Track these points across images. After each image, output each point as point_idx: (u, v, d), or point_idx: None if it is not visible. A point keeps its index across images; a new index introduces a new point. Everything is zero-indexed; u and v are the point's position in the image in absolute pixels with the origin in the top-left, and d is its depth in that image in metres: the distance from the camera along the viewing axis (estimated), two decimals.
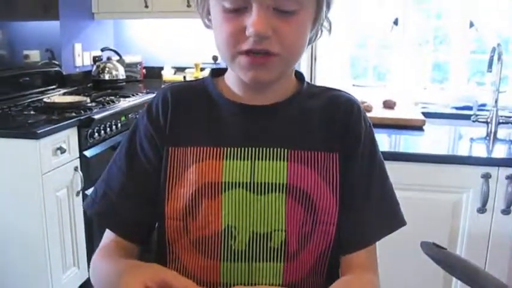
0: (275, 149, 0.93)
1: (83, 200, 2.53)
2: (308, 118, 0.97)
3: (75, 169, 2.55)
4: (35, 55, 3.29)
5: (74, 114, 2.62)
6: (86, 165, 2.62)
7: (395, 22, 3.54)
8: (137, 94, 3.37)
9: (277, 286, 0.92)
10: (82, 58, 3.79)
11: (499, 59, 2.29)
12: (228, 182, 0.92)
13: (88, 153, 2.65)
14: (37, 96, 3.09)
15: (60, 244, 2.48)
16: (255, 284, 0.92)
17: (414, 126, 2.44)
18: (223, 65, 1.00)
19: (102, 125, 2.77)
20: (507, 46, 3.41)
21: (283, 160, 0.92)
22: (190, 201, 0.92)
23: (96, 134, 2.70)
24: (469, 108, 2.92)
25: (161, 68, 4.06)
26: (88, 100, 2.92)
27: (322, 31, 0.95)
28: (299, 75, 1.02)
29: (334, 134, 0.95)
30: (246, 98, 0.96)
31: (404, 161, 1.96)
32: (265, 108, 0.95)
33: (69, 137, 2.50)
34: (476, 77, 3.60)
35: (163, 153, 0.96)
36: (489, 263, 1.97)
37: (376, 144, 1.00)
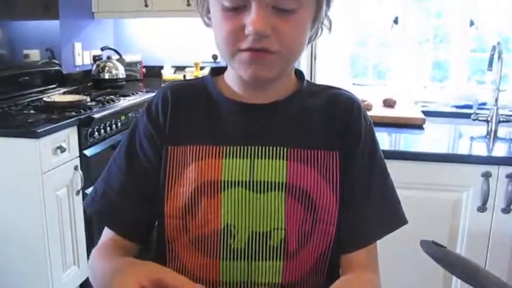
0: (274, 148, 0.93)
1: (83, 199, 2.53)
2: (308, 116, 0.96)
3: (75, 168, 2.55)
4: (35, 54, 3.29)
5: (74, 113, 2.62)
6: (86, 165, 2.62)
7: (396, 21, 3.54)
8: (137, 93, 3.37)
9: (277, 285, 0.92)
10: (82, 57, 3.79)
11: (499, 57, 2.29)
12: (228, 181, 0.91)
13: (88, 152, 2.65)
14: (37, 96, 3.09)
15: (60, 243, 2.48)
16: (255, 282, 0.92)
17: (414, 125, 2.44)
18: (223, 64, 1.00)
19: (102, 124, 2.77)
20: (507, 45, 3.41)
21: (283, 159, 0.92)
22: (189, 200, 0.92)
23: (96, 133, 2.70)
24: (469, 107, 2.93)
25: (161, 67, 4.06)
26: (88, 99, 2.92)
27: (322, 29, 0.95)
28: (299, 74, 1.02)
29: (334, 133, 0.95)
30: (245, 96, 0.96)
31: (405, 159, 1.95)
32: (265, 106, 0.95)
33: (69, 136, 2.50)
34: (476, 76, 3.61)
35: (162, 152, 0.96)
36: (489, 261, 1.97)
37: (377, 142, 1.00)
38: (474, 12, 3.43)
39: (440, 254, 0.83)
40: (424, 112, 2.64)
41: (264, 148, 0.93)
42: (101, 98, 3.09)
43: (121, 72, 3.77)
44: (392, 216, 0.98)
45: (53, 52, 3.43)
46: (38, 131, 2.26)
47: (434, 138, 2.37)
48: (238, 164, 0.92)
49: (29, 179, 2.31)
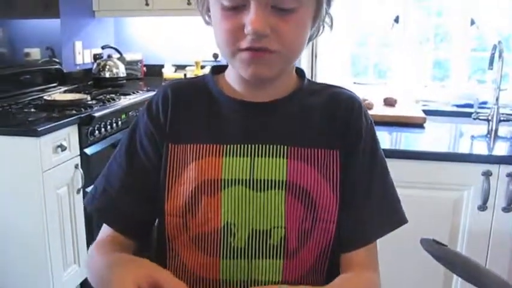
0: (275, 146, 0.92)
1: (84, 198, 2.53)
2: (308, 115, 0.96)
3: (76, 167, 2.55)
4: (35, 53, 3.29)
5: (74, 112, 2.62)
6: (87, 163, 2.62)
7: (396, 20, 3.54)
8: (137, 92, 3.37)
9: (277, 283, 0.92)
10: (82, 56, 3.79)
11: (500, 56, 2.29)
12: (228, 179, 0.91)
13: (88, 150, 2.65)
14: (38, 94, 3.09)
15: (61, 242, 2.48)
16: (255, 281, 0.92)
17: (415, 124, 2.44)
18: (223, 63, 0.99)
19: (103, 123, 2.77)
20: (508, 44, 3.41)
21: (283, 157, 0.92)
22: (189, 198, 0.92)
23: (97, 131, 2.70)
24: (470, 106, 2.93)
25: (162, 66, 4.06)
26: (88, 98, 2.92)
27: (324, 27, 0.95)
28: (300, 72, 1.02)
29: (335, 131, 0.95)
30: (246, 95, 0.96)
31: (405, 158, 1.95)
32: (265, 105, 0.95)
33: (69, 135, 2.50)
34: (477, 75, 3.61)
35: (163, 150, 0.96)
36: (490, 260, 1.97)
37: (378, 141, 0.99)
38: (475, 11, 3.43)
39: (440, 252, 0.83)
40: (424, 111, 2.64)
41: (264, 146, 0.92)
42: (101, 96, 3.09)
43: (121, 71, 3.77)
44: (392, 216, 0.98)
45: (54, 51, 3.43)
46: (39, 129, 2.26)
47: (435, 137, 2.37)
48: (238, 163, 0.92)
49: (29, 177, 2.31)
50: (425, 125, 2.44)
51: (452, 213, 1.98)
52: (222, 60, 0.98)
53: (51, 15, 3.39)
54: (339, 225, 0.94)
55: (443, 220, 1.98)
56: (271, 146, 0.92)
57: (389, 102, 2.74)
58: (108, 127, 2.82)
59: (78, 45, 3.73)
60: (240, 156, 0.92)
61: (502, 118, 2.28)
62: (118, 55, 3.89)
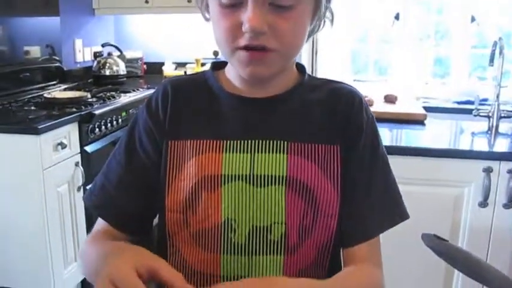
0: (275, 141, 0.92)
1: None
2: (309, 110, 0.96)
3: (76, 164, 2.55)
4: (35, 51, 3.29)
5: (74, 109, 2.62)
6: (87, 161, 2.62)
7: (396, 17, 3.54)
8: (138, 89, 3.37)
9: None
10: (83, 54, 3.78)
11: (501, 53, 2.28)
12: (228, 175, 0.91)
13: (89, 148, 2.65)
14: (38, 92, 3.09)
15: (62, 239, 2.48)
16: (255, 277, 0.92)
17: (416, 121, 2.44)
18: (223, 59, 0.99)
19: (103, 121, 2.76)
20: (508, 41, 3.40)
21: (283, 152, 0.92)
22: (190, 194, 0.92)
23: (97, 129, 2.70)
24: (471, 102, 2.92)
25: (162, 64, 4.05)
26: (89, 95, 2.92)
27: (325, 22, 0.95)
28: (300, 68, 1.02)
29: (335, 126, 0.95)
30: (246, 90, 0.95)
31: (406, 155, 1.96)
32: (266, 100, 0.95)
33: (69, 133, 2.50)
34: (477, 72, 3.60)
35: (162, 147, 0.96)
36: (490, 257, 1.97)
37: (379, 137, 0.99)
38: (475, 8, 3.42)
39: (442, 248, 0.83)
40: (425, 108, 2.64)
41: (264, 142, 0.92)
42: (101, 94, 3.09)
43: (122, 68, 3.77)
44: (394, 211, 0.98)
45: (54, 48, 3.43)
46: (39, 127, 2.26)
47: (435, 133, 2.37)
48: (238, 158, 0.92)
49: (29, 175, 2.31)
50: (425, 121, 2.44)
51: (453, 209, 1.98)
52: (222, 57, 0.98)
53: (51, 13, 3.39)
54: (340, 220, 0.94)
55: (444, 217, 1.98)
56: (271, 142, 0.92)
57: (389, 99, 2.74)
58: (109, 125, 2.82)
59: (78, 43, 3.73)
60: (240, 151, 0.92)
61: (502, 115, 2.27)
62: (118, 53, 3.89)
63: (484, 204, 1.93)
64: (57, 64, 3.42)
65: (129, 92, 3.27)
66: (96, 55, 3.82)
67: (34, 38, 3.27)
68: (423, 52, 3.66)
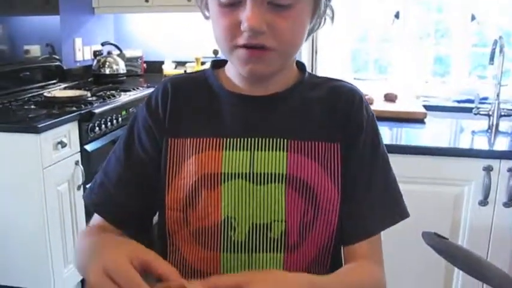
0: (275, 139, 0.92)
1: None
2: (309, 108, 0.96)
3: (76, 163, 2.55)
4: (35, 50, 3.29)
5: (74, 108, 2.62)
6: (87, 159, 2.62)
7: (396, 15, 3.53)
8: (138, 88, 3.37)
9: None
10: (82, 52, 3.78)
11: (501, 51, 2.28)
12: (228, 173, 0.91)
13: (89, 147, 2.65)
14: (37, 91, 3.09)
15: (62, 238, 2.48)
16: None
17: (416, 119, 2.43)
18: (223, 57, 0.99)
19: (103, 119, 2.77)
20: (508, 39, 3.40)
21: (283, 150, 0.92)
22: (190, 192, 0.92)
23: (97, 128, 2.70)
24: (471, 101, 2.91)
25: (162, 62, 4.05)
26: (89, 94, 2.92)
27: (325, 19, 0.94)
28: (301, 66, 1.02)
29: (336, 124, 0.95)
30: (246, 89, 0.95)
31: (406, 153, 1.95)
32: (265, 98, 0.95)
33: (69, 131, 2.50)
34: (477, 71, 3.60)
35: (162, 145, 0.96)
36: (491, 255, 1.97)
37: (379, 135, 0.99)
38: (475, 6, 3.42)
39: (442, 246, 0.83)
40: (425, 107, 2.63)
41: (264, 140, 0.92)
42: (101, 93, 3.09)
43: (121, 67, 3.77)
44: (394, 209, 0.97)
45: (54, 47, 3.43)
46: (39, 126, 2.27)
47: (435, 132, 2.37)
48: (238, 156, 0.92)
49: (29, 174, 2.31)
50: (425, 120, 2.43)
51: (453, 208, 1.97)
52: (222, 56, 0.97)
53: (51, 12, 3.39)
54: (340, 218, 0.94)
55: (444, 215, 1.98)
56: (271, 139, 0.92)
57: (389, 98, 2.73)
58: (109, 123, 2.82)
59: (78, 41, 3.73)
60: (240, 149, 0.92)
61: (502, 113, 2.27)
62: (118, 52, 3.89)
63: (484, 202, 1.92)
64: (57, 63, 3.42)
65: (129, 90, 3.27)
66: (96, 54, 3.82)
67: (34, 37, 3.27)
68: (423, 51, 3.65)
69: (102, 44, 3.87)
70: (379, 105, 2.60)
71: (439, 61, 3.73)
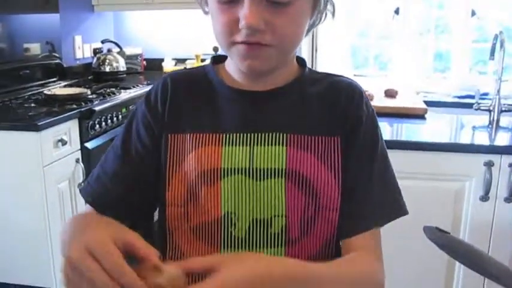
0: (274, 134, 0.92)
1: None
2: (308, 103, 0.96)
3: (77, 161, 2.55)
4: (35, 48, 3.29)
5: (74, 106, 2.62)
6: (87, 157, 2.62)
7: (396, 11, 3.53)
8: (138, 86, 3.37)
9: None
10: (82, 50, 3.78)
11: (502, 46, 2.28)
12: (227, 168, 0.91)
13: (89, 145, 2.65)
14: (38, 89, 3.09)
15: None
16: None
17: (416, 115, 2.43)
18: (223, 53, 0.99)
19: (103, 117, 2.76)
20: (509, 34, 3.39)
21: (282, 145, 0.91)
22: (190, 188, 0.92)
23: (97, 125, 2.70)
24: (471, 97, 2.91)
25: (162, 60, 4.05)
26: (89, 92, 2.92)
27: (326, 14, 0.94)
28: (301, 61, 1.01)
29: (336, 119, 0.94)
30: (246, 84, 0.95)
31: (407, 149, 1.95)
32: (265, 93, 0.95)
33: (70, 129, 2.49)
34: (478, 66, 3.59)
35: (161, 140, 0.96)
36: (492, 251, 1.97)
37: (379, 132, 0.98)
38: (475, 2, 3.41)
39: (444, 240, 0.83)
40: (425, 102, 2.63)
41: (263, 135, 0.92)
42: (101, 90, 3.08)
43: (121, 65, 3.76)
44: (392, 206, 0.96)
45: (53, 45, 3.43)
46: (39, 124, 2.26)
47: (436, 128, 2.36)
48: (237, 151, 0.91)
49: (30, 172, 2.31)
50: (426, 116, 2.43)
51: (454, 203, 1.97)
52: (222, 52, 0.97)
53: (50, 10, 3.38)
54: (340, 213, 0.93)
55: (445, 211, 1.97)
56: (270, 134, 0.92)
57: (390, 94, 2.73)
58: (109, 121, 2.82)
59: (78, 39, 3.73)
60: (239, 145, 0.92)
61: (503, 108, 2.27)
62: (118, 49, 3.89)
63: (485, 198, 1.92)
64: (57, 61, 3.42)
65: (129, 88, 3.27)
66: (96, 52, 3.82)
67: (34, 35, 3.27)
68: (423, 46, 3.65)
69: (102, 42, 3.87)
70: (379, 101, 2.60)
71: (439, 57, 3.73)
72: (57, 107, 2.56)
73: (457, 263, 1.96)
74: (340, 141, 0.93)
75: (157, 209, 1.01)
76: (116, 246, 0.70)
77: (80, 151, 2.59)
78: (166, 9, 3.79)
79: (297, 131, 0.92)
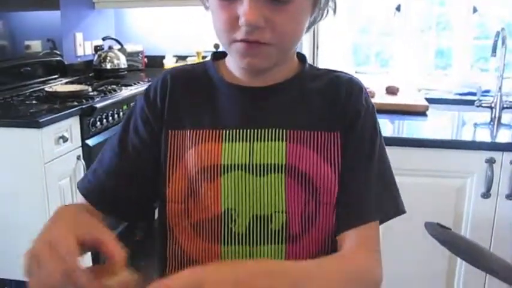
0: (273, 130, 0.92)
1: None
2: (308, 99, 0.95)
3: (78, 158, 2.55)
4: (36, 45, 3.29)
5: (75, 103, 2.62)
6: (89, 154, 2.62)
7: (398, 8, 3.52)
8: (139, 83, 3.36)
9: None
10: (83, 47, 3.78)
11: (503, 43, 2.27)
12: (227, 164, 0.91)
13: (90, 142, 2.64)
14: (39, 86, 3.09)
15: None
16: None
17: (417, 112, 2.43)
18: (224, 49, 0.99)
19: (104, 114, 2.76)
20: (510, 31, 3.38)
21: (282, 140, 0.91)
22: (190, 184, 0.92)
23: (98, 122, 2.70)
24: (473, 94, 2.91)
25: (163, 57, 4.04)
26: (90, 89, 2.91)
27: (327, 11, 0.93)
28: (301, 57, 1.01)
29: (335, 114, 0.94)
30: (246, 80, 0.95)
31: (408, 146, 1.95)
32: (265, 89, 0.94)
33: (71, 126, 2.49)
34: (479, 63, 3.59)
35: (160, 136, 0.95)
36: (493, 248, 1.96)
37: (379, 129, 0.97)
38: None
39: (445, 236, 0.83)
40: (427, 99, 2.63)
41: (263, 131, 0.92)
42: (102, 87, 3.08)
43: (122, 62, 3.76)
44: (389, 204, 0.95)
45: (54, 42, 3.42)
46: (40, 121, 2.26)
47: (437, 125, 2.36)
48: (237, 147, 0.91)
49: (31, 169, 2.31)
50: (427, 112, 2.43)
51: (455, 200, 1.97)
52: (223, 49, 0.97)
53: (51, 7, 3.38)
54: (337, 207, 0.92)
55: (446, 208, 1.97)
56: (270, 130, 0.92)
57: (391, 91, 2.73)
58: (110, 118, 2.82)
59: (79, 36, 3.72)
60: (239, 141, 0.91)
61: (505, 105, 2.26)
62: (119, 46, 3.89)
63: (486, 195, 1.92)
64: (58, 58, 3.42)
65: (130, 85, 3.26)
66: (97, 49, 3.81)
67: (35, 32, 3.26)
68: (425, 43, 3.64)
69: (103, 39, 3.87)
70: (380, 98, 2.59)
71: (440, 54, 3.72)
72: (58, 104, 2.56)
73: (459, 259, 1.96)
74: (340, 136, 0.93)
75: (158, 207, 1.00)
76: (84, 241, 0.72)
77: (81, 148, 2.58)
78: (167, 6, 3.79)
79: (297, 127, 0.92)
